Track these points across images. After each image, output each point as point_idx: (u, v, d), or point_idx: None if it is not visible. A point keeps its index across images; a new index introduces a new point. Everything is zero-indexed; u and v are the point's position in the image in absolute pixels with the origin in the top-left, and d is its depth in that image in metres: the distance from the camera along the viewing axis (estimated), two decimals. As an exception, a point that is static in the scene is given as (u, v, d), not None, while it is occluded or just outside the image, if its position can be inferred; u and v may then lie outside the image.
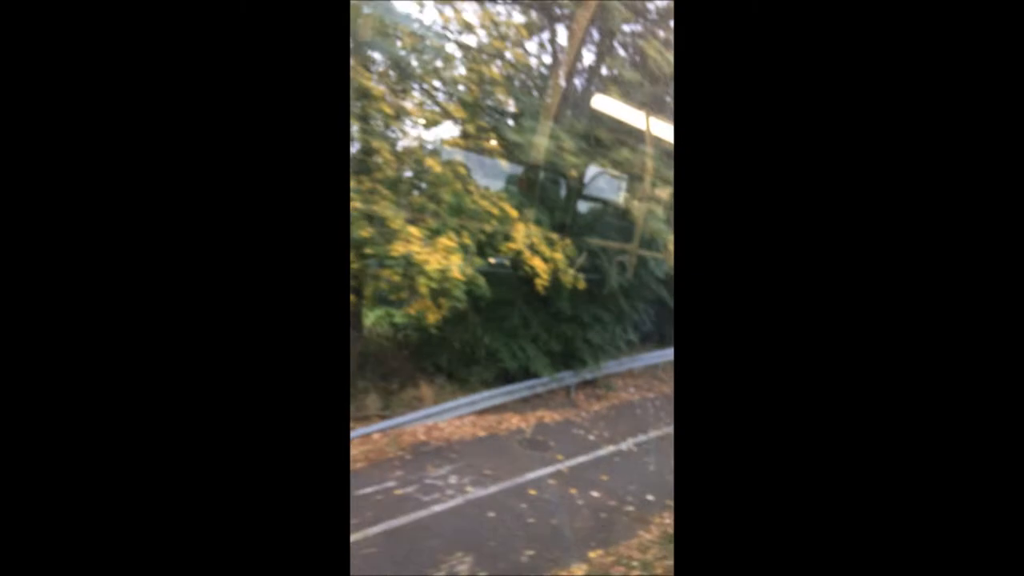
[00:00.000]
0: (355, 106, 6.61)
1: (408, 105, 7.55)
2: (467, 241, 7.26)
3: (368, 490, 5.42)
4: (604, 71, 9.86)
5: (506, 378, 8.33)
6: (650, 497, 5.98)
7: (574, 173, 8.20)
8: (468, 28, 8.28)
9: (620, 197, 10.36)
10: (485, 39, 8.72)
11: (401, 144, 7.79)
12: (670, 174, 8.31)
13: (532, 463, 6.45)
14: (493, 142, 8.54)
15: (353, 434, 6.26)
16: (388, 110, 7.07)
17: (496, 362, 8.27)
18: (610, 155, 8.31)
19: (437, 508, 5.24)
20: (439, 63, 8.28)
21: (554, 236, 8.07)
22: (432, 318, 6.91)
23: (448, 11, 7.93)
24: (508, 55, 8.87)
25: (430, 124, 7.77)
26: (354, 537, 4.63)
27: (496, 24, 8.67)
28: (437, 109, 8.03)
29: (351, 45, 6.40)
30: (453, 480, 5.79)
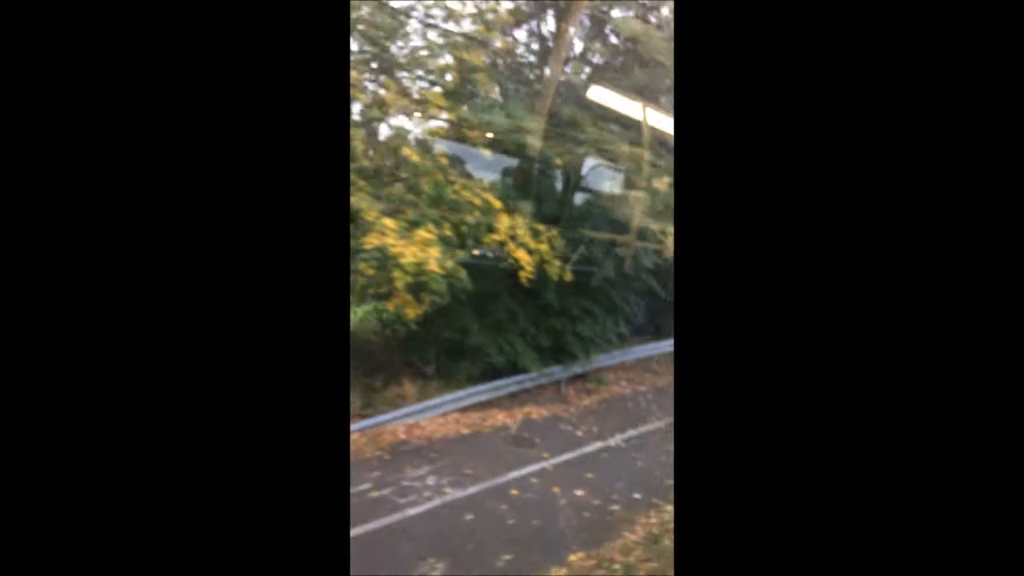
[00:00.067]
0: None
1: (385, 94, 7.28)
2: (448, 233, 7.03)
3: (342, 492, 5.23)
4: (595, 59, 9.63)
5: (493, 374, 8.10)
6: (636, 495, 5.78)
7: (558, 162, 7.94)
8: (453, 16, 8.01)
9: (617, 189, 10.18)
10: (472, 27, 8.49)
11: (382, 134, 7.58)
12: (660, 163, 8.12)
13: (516, 461, 6.25)
14: (489, 134, 8.35)
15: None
16: (363, 98, 6.83)
17: (483, 357, 8.05)
18: (594, 143, 8.07)
19: (413, 511, 5.04)
20: (424, 52, 8.03)
21: (540, 227, 7.83)
22: (412, 313, 6.70)
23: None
24: (495, 43, 8.64)
25: (410, 113, 7.51)
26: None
27: (482, 12, 8.42)
28: (417, 98, 7.75)
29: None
30: (431, 481, 5.59)
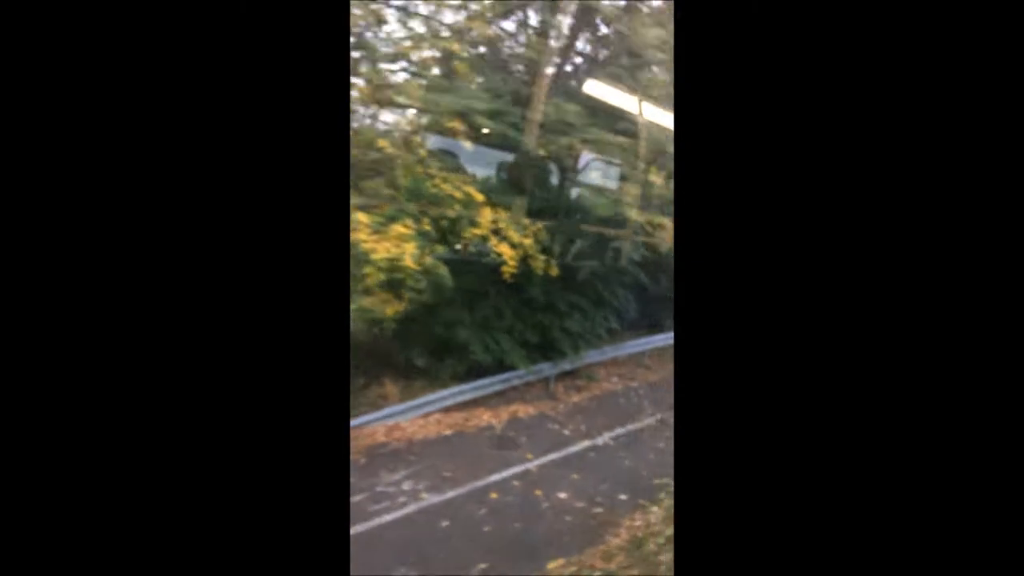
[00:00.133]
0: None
1: (363, 84, 7.03)
2: (427, 227, 6.80)
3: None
4: (587, 49, 9.39)
5: (479, 372, 7.88)
6: (622, 496, 5.56)
7: (543, 153, 7.68)
8: (439, 3, 7.76)
9: (610, 182, 10.00)
10: (456, 16, 8.25)
11: (359, 126, 7.33)
12: (650, 155, 7.93)
13: (498, 463, 6.04)
14: (485, 129, 8.15)
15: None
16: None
17: (468, 355, 7.82)
18: (586, 136, 7.84)
19: (386, 518, 4.83)
20: (408, 42, 7.78)
21: (525, 221, 7.59)
22: (390, 311, 6.47)
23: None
24: (480, 32, 8.39)
25: (384, 103, 7.25)
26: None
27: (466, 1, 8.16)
28: (397, 89, 7.48)
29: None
30: (407, 486, 5.38)
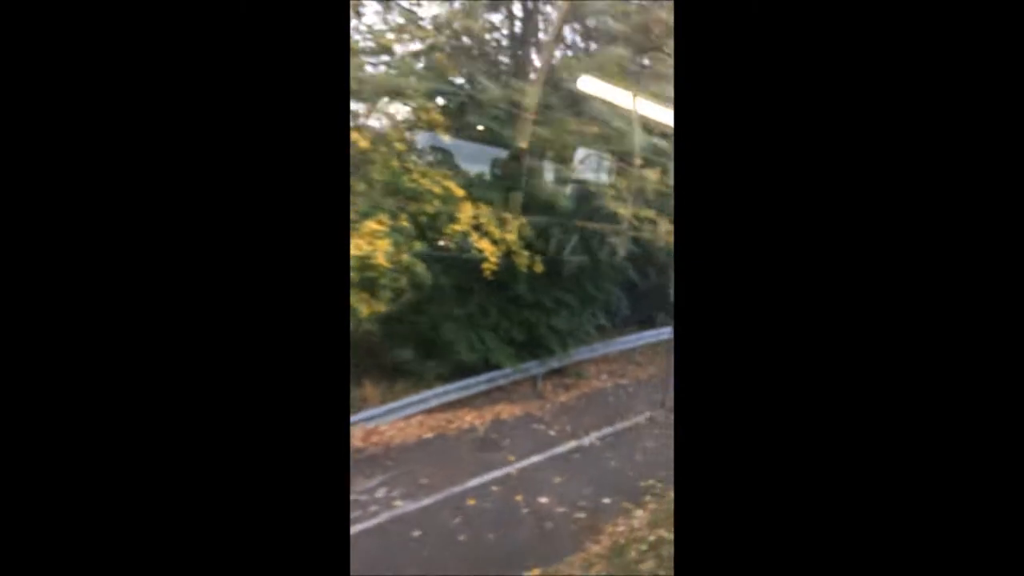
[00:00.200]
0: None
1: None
2: (404, 224, 6.57)
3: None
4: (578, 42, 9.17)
5: (464, 372, 7.67)
6: (606, 500, 5.36)
7: (523, 146, 7.44)
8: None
9: (603, 177, 9.81)
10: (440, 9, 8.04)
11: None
12: (640, 150, 7.72)
13: (479, 467, 5.84)
14: (479, 127, 7.95)
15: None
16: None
17: (452, 354, 7.61)
18: (578, 131, 7.63)
19: (355, 528, 4.62)
20: (390, 35, 7.56)
21: (508, 216, 7.37)
22: (366, 310, 6.25)
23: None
24: (466, 25, 8.17)
25: (365, 98, 7.01)
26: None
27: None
28: (376, 83, 7.24)
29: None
30: (381, 493, 5.18)
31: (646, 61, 8.30)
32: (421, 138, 8.06)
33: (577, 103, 7.66)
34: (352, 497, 5.08)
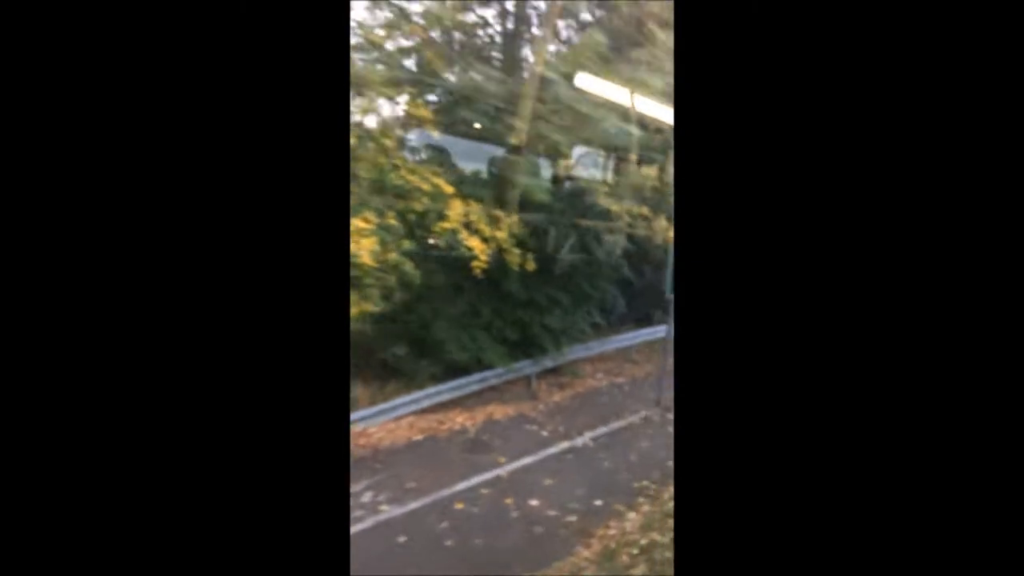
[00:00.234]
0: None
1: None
2: (392, 222, 6.45)
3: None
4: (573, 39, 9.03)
5: (456, 372, 7.55)
6: (598, 502, 5.24)
7: (515, 141, 7.31)
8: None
9: (599, 174, 9.71)
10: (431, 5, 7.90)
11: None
12: (638, 147, 7.62)
13: (469, 469, 5.72)
14: (477, 125, 7.82)
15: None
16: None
17: (444, 354, 7.48)
18: (574, 128, 7.51)
19: (339, 533, 4.51)
20: (381, 31, 7.42)
21: (499, 214, 7.24)
22: (354, 311, 6.13)
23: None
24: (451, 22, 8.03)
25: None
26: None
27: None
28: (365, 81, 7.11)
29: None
30: (367, 498, 5.06)
31: (640, 55, 8.19)
32: (415, 136, 7.97)
33: (570, 99, 7.53)
34: (337, 502, 4.98)
